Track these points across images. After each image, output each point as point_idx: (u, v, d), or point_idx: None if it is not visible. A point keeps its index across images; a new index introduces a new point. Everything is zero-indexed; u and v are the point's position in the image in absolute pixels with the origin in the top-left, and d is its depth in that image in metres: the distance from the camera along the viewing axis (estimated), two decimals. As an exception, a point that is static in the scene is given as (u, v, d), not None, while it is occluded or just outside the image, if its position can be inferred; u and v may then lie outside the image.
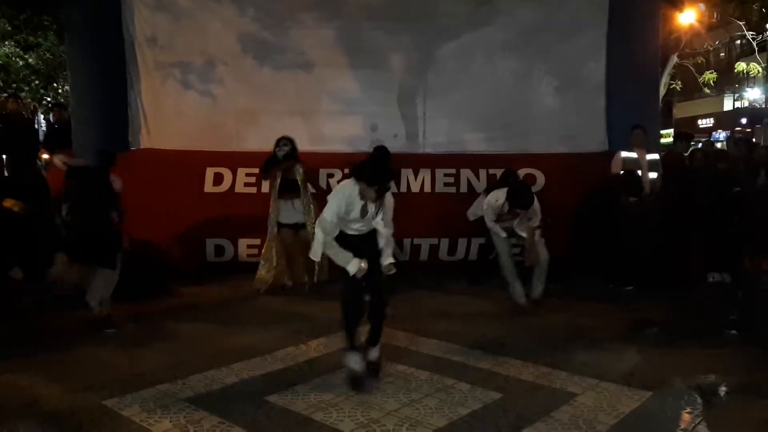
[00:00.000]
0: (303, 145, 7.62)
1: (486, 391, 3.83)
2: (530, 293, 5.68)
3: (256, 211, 6.90)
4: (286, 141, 6.42)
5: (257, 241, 7.09)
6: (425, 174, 7.30)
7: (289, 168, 6.37)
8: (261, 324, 5.33)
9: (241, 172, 7.30)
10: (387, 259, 4.02)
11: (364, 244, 3.99)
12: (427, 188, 7.28)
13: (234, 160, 7.36)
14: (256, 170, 7.31)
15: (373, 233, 4.04)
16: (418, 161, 7.46)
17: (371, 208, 3.90)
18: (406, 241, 7.26)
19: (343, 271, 3.92)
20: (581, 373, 4.12)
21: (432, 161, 7.53)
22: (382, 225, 4.01)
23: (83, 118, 7.67)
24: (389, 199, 4.01)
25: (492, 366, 4.28)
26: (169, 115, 7.70)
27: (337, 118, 7.79)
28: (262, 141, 7.59)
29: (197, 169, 7.18)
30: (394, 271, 4.02)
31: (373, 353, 4.07)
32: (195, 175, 7.06)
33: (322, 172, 7.32)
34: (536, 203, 5.54)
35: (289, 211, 6.37)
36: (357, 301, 4.01)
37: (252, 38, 7.68)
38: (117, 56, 7.57)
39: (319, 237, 3.95)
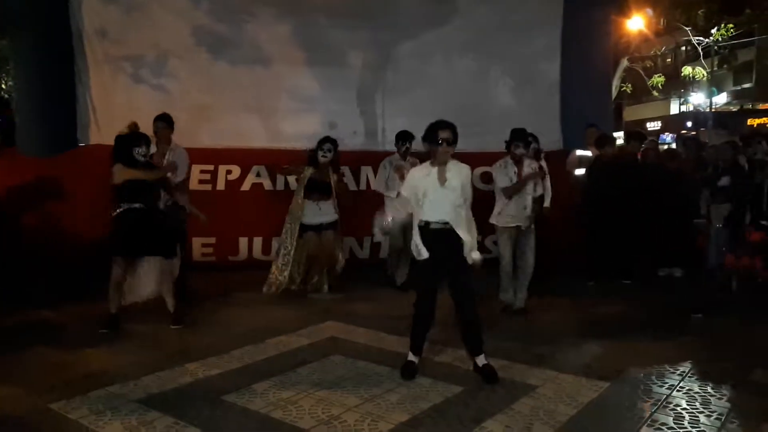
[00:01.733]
0: (260, 142, 7.55)
1: (447, 385, 3.81)
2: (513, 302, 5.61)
3: (211, 208, 6.74)
4: (330, 146, 6.09)
5: (212, 240, 6.95)
6: (384, 172, 7.26)
7: (323, 170, 6.12)
8: (217, 324, 5.21)
9: (196, 168, 7.08)
10: (471, 253, 3.96)
11: (442, 242, 3.93)
12: (388, 186, 7.24)
13: (188, 156, 7.17)
14: (211, 167, 7.19)
15: (455, 233, 3.94)
16: (378, 159, 7.41)
17: (447, 176, 3.92)
18: (367, 240, 7.24)
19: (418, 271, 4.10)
20: (540, 365, 4.16)
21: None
22: (462, 209, 3.96)
23: (28, 113, 7.33)
24: (465, 171, 4.01)
25: (453, 360, 4.28)
26: (120, 110, 7.38)
27: (295, 115, 7.67)
28: (217, 137, 7.46)
29: (150, 165, 6.96)
30: (479, 262, 4.02)
31: (480, 360, 4.01)
32: (147, 171, 6.84)
33: (281, 170, 7.22)
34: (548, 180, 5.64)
35: (314, 212, 6.09)
36: (425, 303, 4.04)
37: (206, 32, 7.47)
38: (64, 49, 7.27)
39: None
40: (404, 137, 6.50)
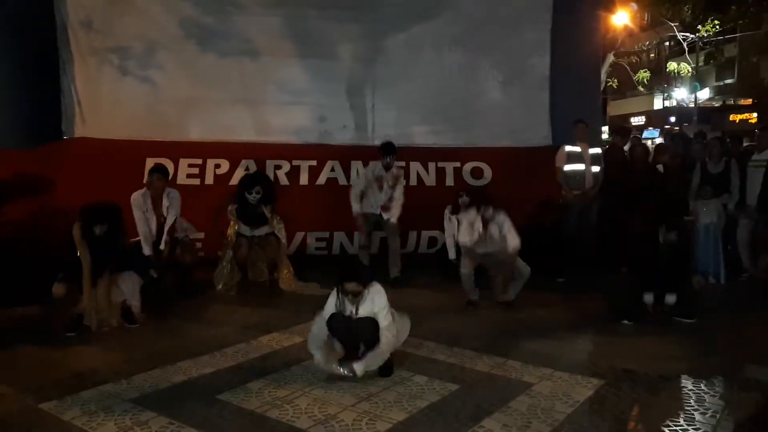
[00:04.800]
0: (249, 136, 7.49)
1: (443, 383, 3.80)
2: (501, 296, 5.60)
3: (199, 203, 6.68)
4: (258, 189, 5.98)
5: (201, 235, 6.86)
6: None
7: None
8: (207, 322, 5.16)
9: (183, 162, 7.05)
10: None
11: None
12: (377, 180, 7.21)
13: (175, 150, 7.09)
14: (199, 161, 7.12)
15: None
16: (368, 153, 7.38)
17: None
18: (357, 235, 7.20)
19: None
20: (534, 362, 4.15)
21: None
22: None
23: (11, 105, 7.18)
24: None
25: (447, 357, 4.26)
26: (106, 103, 7.31)
27: (283, 108, 7.60)
28: (205, 131, 7.40)
29: (136, 159, 6.84)
30: None
31: None
32: (134, 165, 6.72)
33: (269, 164, 7.16)
34: (508, 220, 5.54)
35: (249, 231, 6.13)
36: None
37: (194, 23, 7.37)
38: (48, 40, 7.13)
39: None
40: (388, 150, 6.51)
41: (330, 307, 3.95)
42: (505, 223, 5.52)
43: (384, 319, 3.87)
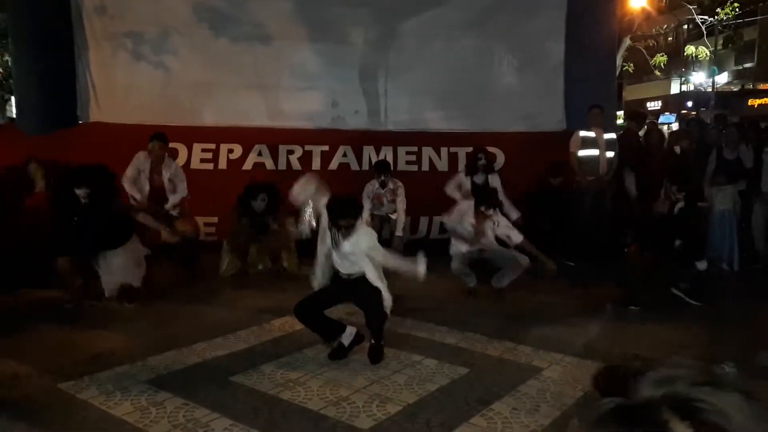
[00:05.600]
0: (261, 121, 7.51)
1: (453, 367, 3.84)
2: (495, 283, 5.50)
3: (213, 187, 6.74)
4: (263, 196, 5.96)
5: (215, 219, 6.93)
6: (387, 152, 7.26)
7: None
8: (221, 305, 5.23)
9: (197, 147, 7.10)
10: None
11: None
12: (389, 166, 7.22)
13: (189, 134, 7.13)
14: (213, 145, 7.17)
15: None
16: (381, 138, 7.40)
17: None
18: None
19: None
20: (545, 347, 4.17)
21: (394, 139, 7.48)
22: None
23: (27, 89, 7.28)
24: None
25: (458, 342, 4.30)
26: (121, 88, 7.38)
27: (296, 93, 7.62)
28: (218, 115, 7.44)
29: (151, 144, 6.90)
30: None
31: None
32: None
33: (282, 149, 7.19)
34: (504, 219, 5.50)
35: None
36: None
37: (207, 8, 7.40)
38: (63, 25, 7.19)
39: None
40: (382, 168, 6.60)
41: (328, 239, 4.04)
42: (501, 222, 5.44)
43: (378, 254, 4.01)
